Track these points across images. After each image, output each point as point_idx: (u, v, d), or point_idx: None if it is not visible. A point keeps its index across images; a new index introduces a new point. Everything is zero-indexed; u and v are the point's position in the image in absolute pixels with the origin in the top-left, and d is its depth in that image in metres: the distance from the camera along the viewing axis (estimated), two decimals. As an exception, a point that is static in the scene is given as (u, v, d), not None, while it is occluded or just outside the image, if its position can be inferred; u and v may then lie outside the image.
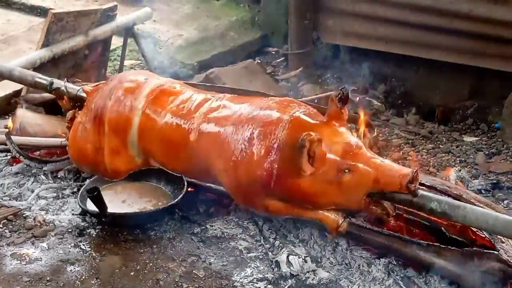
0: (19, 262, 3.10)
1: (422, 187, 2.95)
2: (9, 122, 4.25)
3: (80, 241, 3.24)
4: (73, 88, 3.59)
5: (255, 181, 2.85)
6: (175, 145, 3.11)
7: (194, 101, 3.13)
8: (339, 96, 2.82)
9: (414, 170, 2.68)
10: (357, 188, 2.75)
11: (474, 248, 2.91)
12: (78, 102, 3.56)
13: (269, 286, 2.96)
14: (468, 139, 5.28)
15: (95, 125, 3.29)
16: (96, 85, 3.57)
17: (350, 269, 3.05)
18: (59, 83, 3.69)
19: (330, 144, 2.76)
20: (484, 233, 2.94)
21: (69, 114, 3.55)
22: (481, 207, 2.87)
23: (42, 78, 3.83)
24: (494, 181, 4.43)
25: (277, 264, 3.06)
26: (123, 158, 3.33)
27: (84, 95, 3.50)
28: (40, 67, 4.60)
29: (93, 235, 3.29)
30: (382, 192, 2.77)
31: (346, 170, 2.71)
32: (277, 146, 2.78)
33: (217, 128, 2.96)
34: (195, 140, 3.00)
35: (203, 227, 3.32)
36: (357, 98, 5.75)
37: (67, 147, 3.57)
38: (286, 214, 3.06)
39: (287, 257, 3.06)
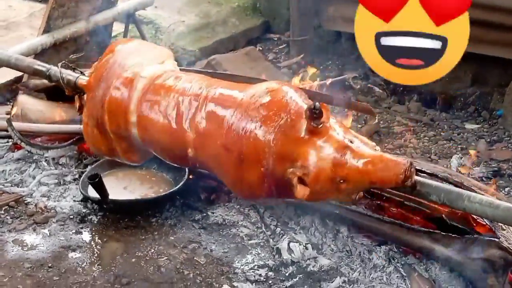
0: (20, 248, 3.11)
1: (424, 174, 2.95)
2: (10, 108, 4.24)
3: (82, 228, 3.25)
4: (71, 75, 3.49)
5: (260, 198, 2.89)
6: (178, 157, 3.11)
7: (181, 105, 3.03)
8: (311, 114, 2.62)
9: (406, 167, 2.60)
10: (356, 190, 2.73)
11: (475, 236, 2.92)
12: (79, 91, 3.50)
13: (270, 273, 2.97)
14: (469, 126, 5.28)
15: (101, 132, 3.26)
16: (89, 76, 3.43)
17: (351, 256, 3.06)
18: (56, 70, 3.58)
19: (318, 161, 2.68)
20: (485, 220, 2.94)
21: (76, 101, 3.47)
22: (482, 194, 2.86)
23: (40, 65, 3.74)
24: (496, 169, 4.44)
25: (278, 251, 3.06)
26: (137, 154, 3.33)
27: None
28: (41, 53, 4.60)
29: (95, 222, 3.29)
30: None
31: (341, 181, 2.66)
32: (269, 174, 2.75)
33: (209, 148, 2.92)
34: (194, 156, 2.99)
35: (204, 214, 3.32)
36: (358, 86, 5.75)
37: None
38: None
39: (288, 244, 3.07)
